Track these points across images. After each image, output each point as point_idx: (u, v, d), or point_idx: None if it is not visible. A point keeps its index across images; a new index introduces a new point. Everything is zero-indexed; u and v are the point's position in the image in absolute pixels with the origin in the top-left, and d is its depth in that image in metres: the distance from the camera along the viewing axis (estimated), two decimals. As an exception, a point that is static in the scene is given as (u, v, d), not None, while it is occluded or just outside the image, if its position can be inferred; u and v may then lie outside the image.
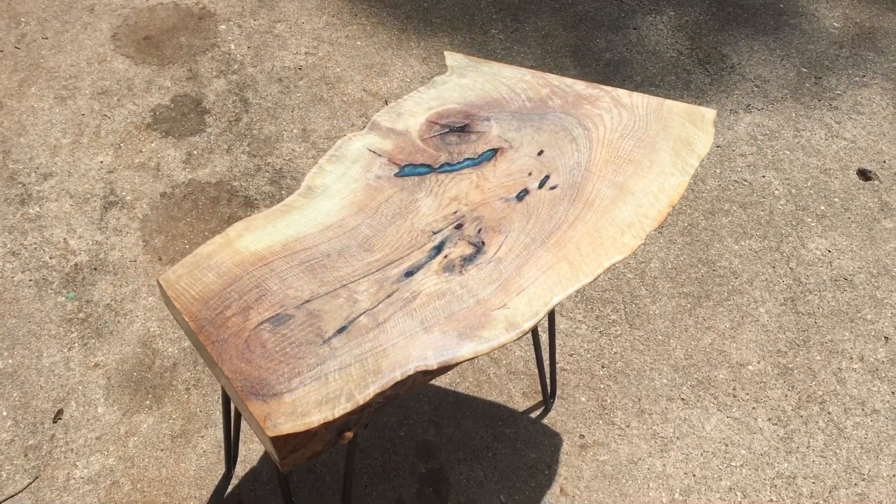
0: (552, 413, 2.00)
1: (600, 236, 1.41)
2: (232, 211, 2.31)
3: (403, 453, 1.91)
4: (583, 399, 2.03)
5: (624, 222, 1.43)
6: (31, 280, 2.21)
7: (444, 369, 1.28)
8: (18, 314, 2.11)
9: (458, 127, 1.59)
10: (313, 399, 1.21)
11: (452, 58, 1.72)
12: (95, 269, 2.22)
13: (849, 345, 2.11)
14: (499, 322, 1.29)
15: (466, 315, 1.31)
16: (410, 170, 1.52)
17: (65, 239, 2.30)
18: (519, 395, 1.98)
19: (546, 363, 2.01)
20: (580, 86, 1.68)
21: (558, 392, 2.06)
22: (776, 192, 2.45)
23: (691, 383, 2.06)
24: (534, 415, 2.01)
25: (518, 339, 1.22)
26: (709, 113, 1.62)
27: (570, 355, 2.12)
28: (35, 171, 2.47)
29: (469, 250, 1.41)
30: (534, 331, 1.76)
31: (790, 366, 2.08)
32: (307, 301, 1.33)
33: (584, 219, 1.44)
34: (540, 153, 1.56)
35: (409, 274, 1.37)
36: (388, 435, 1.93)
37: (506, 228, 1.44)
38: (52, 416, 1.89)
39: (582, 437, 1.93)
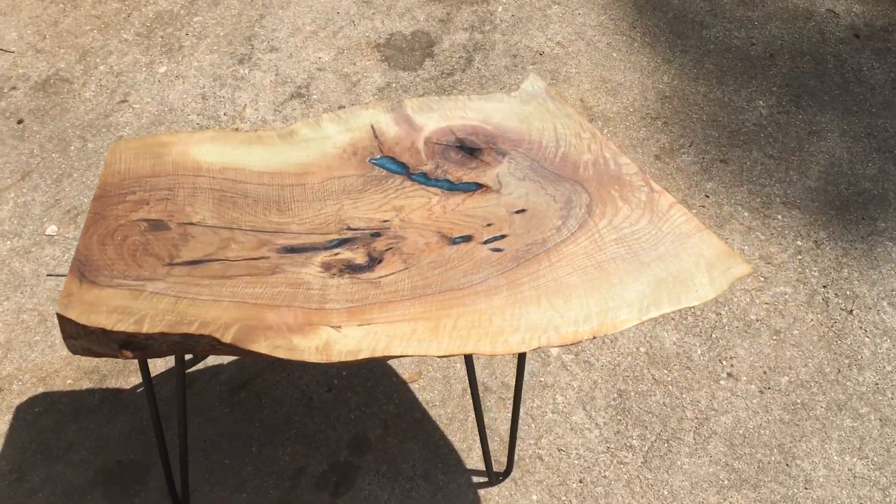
0: (494, 490, 1.82)
1: (488, 322, 1.23)
2: None
3: (339, 433, 1.87)
4: (533, 498, 1.81)
5: (524, 323, 1.23)
6: (197, 123, 2.46)
7: (235, 350, 1.23)
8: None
9: (469, 147, 1.46)
10: (112, 304, 1.23)
11: (533, 83, 1.57)
12: (246, 140, 2.40)
13: None
14: (317, 336, 1.20)
15: (297, 312, 1.23)
16: (385, 162, 1.43)
17: (245, 106, 2.51)
18: (480, 452, 1.82)
19: (490, 430, 1.81)
20: (629, 169, 1.44)
21: (515, 474, 1.86)
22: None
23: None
24: (476, 479, 1.84)
25: (325, 363, 1.13)
26: (739, 269, 1.31)
27: (560, 450, 1.89)
28: (268, 41, 2.71)
29: (360, 260, 1.31)
30: (473, 385, 1.59)
31: None
32: (191, 223, 1.34)
33: (493, 297, 1.26)
34: (520, 212, 1.38)
35: (290, 251, 1.31)
36: (341, 411, 1.90)
37: (413, 262, 1.31)
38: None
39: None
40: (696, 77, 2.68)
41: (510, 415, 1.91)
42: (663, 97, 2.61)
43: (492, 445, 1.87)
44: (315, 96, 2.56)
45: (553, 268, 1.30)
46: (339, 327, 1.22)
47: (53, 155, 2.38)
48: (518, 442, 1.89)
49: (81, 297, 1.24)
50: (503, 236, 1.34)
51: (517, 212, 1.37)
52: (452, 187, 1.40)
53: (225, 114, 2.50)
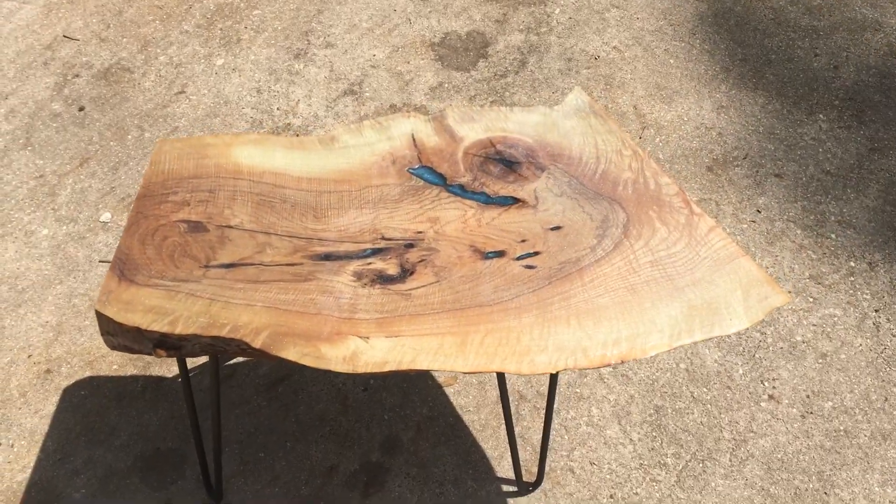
0: (524, 500, 1.82)
1: (516, 341, 1.23)
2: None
3: (372, 433, 1.89)
4: (563, 510, 1.81)
5: (551, 343, 1.23)
6: (251, 117, 2.50)
7: (264, 355, 1.25)
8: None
9: (508, 160, 1.45)
10: (148, 303, 1.27)
11: (577, 96, 1.55)
12: (297, 136, 2.44)
13: None
14: (345, 346, 1.21)
15: (327, 320, 1.24)
16: (423, 173, 1.44)
17: (299, 101, 2.54)
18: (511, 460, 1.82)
19: (522, 441, 1.81)
20: (670, 189, 1.42)
21: (546, 486, 1.85)
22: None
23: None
24: (506, 488, 1.84)
25: (351, 372, 1.15)
26: (777, 298, 1.28)
27: (592, 463, 1.88)
28: (324, 37, 2.74)
29: (393, 271, 1.32)
30: (504, 395, 1.59)
31: None
32: (229, 226, 1.36)
33: (522, 315, 1.26)
34: (555, 228, 1.37)
35: (323, 258, 1.33)
36: (375, 411, 1.92)
37: (445, 276, 1.31)
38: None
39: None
40: (755, 87, 2.62)
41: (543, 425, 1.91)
42: (719, 107, 2.56)
43: (524, 455, 1.87)
44: (368, 94, 2.58)
45: (585, 288, 1.29)
46: (368, 338, 1.23)
47: (111, 143, 2.44)
48: (550, 453, 1.89)
49: (119, 295, 1.27)
50: (536, 253, 1.33)
51: (552, 229, 1.36)
52: (489, 201, 1.40)
53: (278, 108, 2.53)
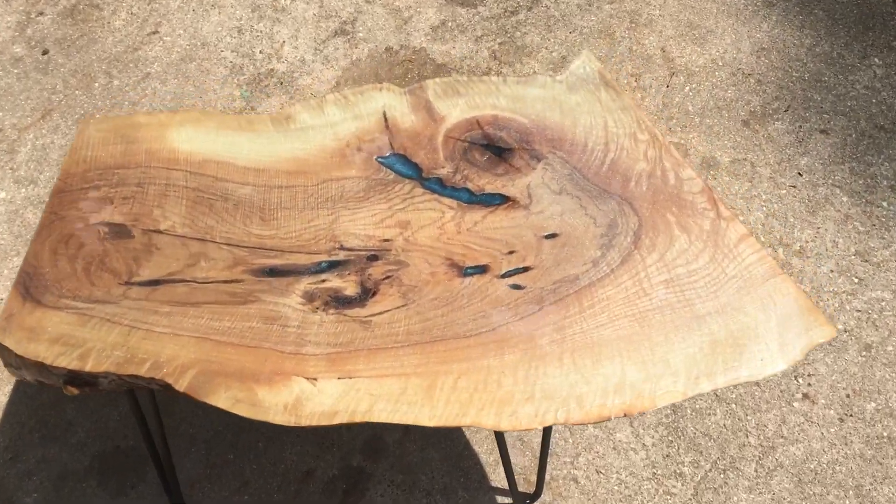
0: (520, 512, 1.62)
1: (495, 385, 1.00)
2: None
3: (353, 433, 1.69)
4: (564, 526, 1.61)
5: (539, 389, 0.99)
6: (231, 62, 2.23)
7: (191, 399, 1.03)
8: (197, 84, 2.16)
9: (498, 147, 1.19)
10: (56, 331, 1.05)
11: (585, 62, 1.27)
12: (282, 83, 2.17)
13: None
14: (287, 390, 0.99)
15: (268, 356, 1.02)
16: (395, 162, 1.18)
17: (284, 43, 2.27)
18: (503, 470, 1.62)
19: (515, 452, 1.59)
20: (693, 186, 1.15)
21: (545, 497, 1.65)
22: None
23: None
24: (501, 499, 1.64)
25: (293, 425, 0.93)
26: (821, 332, 1.03)
27: (598, 472, 1.67)
28: (314, -33, 2.44)
29: (351, 291, 1.08)
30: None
31: None
32: (158, 231, 1.13)
33: (505, 350, 1.02)
34: (550, 236, 1.12)
35: (269, 273, 1.09)
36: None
37: (414, 297, 1.07)
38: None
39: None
40: (802, 26, 2.28)
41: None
42: (760, 49, 2.24)
43: (523, 461, 1.66)
44: (361, 34, 2.29)
45: (584, 316, 1.04)
46: (316, 379, 1.01)
47: (77, 92, 2.19)
48: (551, 459, 1.68)
49: (23, 319, 1.05)
50: (527, 269, 1.08)
51: (547, 236, 1.11)
52: (472, 199, 1.14)
53: (261, 52, 2.26)
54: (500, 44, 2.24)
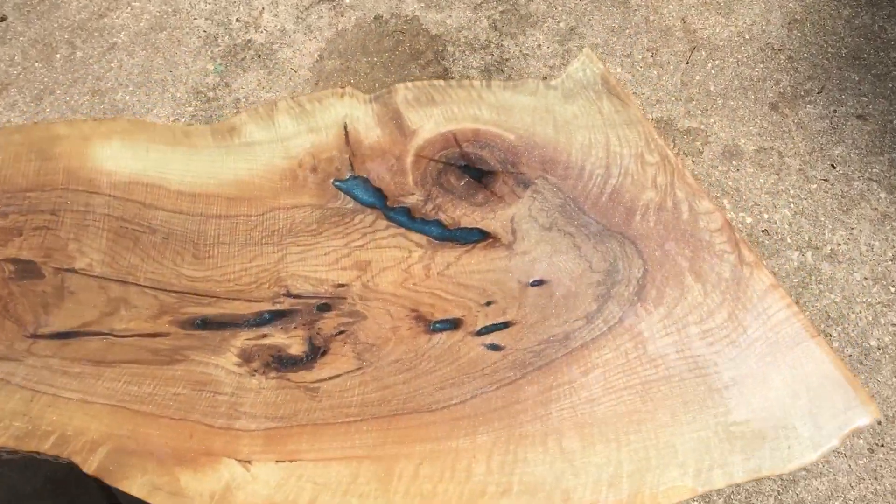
0: None
1: (464, 474, 0.83)
2: (423, 76, 1.88)
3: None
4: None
5: (517, 480, 0.82)
6: (204, 31, 2.02)
7: (101, 482, 0.86)
8: (167, 56, 1.96)
9: (478, 170, 0.99)
10: (-56, 395, 0.87)
11: (585, 62, 1.06)
12: (259, 56, 1.97)
13: None
14: (215, 475, 0.83)
15: (195, 429, 0.85)
16: (354, 187, 0.99)
17: (262, 10, 2.05)
18: None
19: None
20: (711, 221, 0.95)
21: None
22: None
23: None
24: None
25: None
26: (861, 413, 0.84)
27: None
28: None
29: (297, 350, 0.90)
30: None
31: None
32: (73, 269, 0.94)
33: (478, 429, 0.84)
34: (537, 283, 0.93)
35: (200, 325, 0.91)
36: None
37: (372, 359, 0.89)
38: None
39: None
40: (841, -5, 2.04)
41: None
42: (792, 21, 2.00)
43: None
44: (347, 1, 2.07)
45: (574, 386, 0.86)
46: (250, 462, 0.83)
47: (36, 64, 1.99)
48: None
49: None
50: (507, 324, 0.89)
51: (534, 283, 0.92)
52: (444, 235, 0.95)
53: (237, 20, 2.04)
54: (501, 12, 2.02)
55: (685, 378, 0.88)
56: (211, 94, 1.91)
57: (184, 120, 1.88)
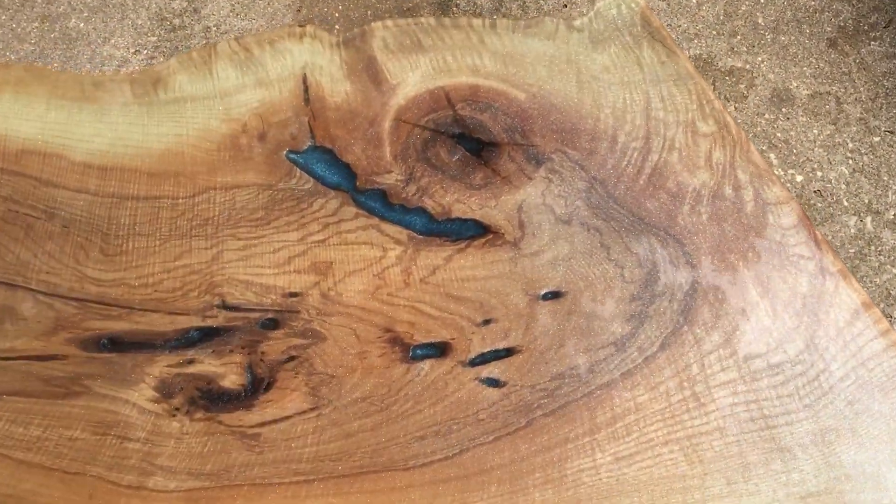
0: None
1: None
2: (423, 6, 1.61)
3: None
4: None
5: None
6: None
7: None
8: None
9: (477, 140, 0.74)
10: None
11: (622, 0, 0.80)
12: (235, -22, 1.69)
13: None
14: None
15: (96, 485, 0.67)
16: (314, 161, 0.74)
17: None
18: None
19: None
20: (784, 215, 0.70)
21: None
22: None
23: None
24: None
25: None
26: None
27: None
28: None
29: (231, 382, 0.67)
30: None
31: None
32: (-55, 270, 0.72)
33: (467, 495, 0.63)
34: (551, 296, 0.69)
35: (107, 346, 0.68)
36: None
37: (330, 395, 0.67)
38: None
39: None
40: None
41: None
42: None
43: None
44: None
45: (598, 440, 0.63)
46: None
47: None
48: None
49: None
50: (510, 351, 0.66)
51: (546, 296, 0.68)
52: (431, 228, 0.71)
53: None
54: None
55: (746, 432, 0.65)
56: (177, 20, 1.65)
57: (145, 52, 1.62)
